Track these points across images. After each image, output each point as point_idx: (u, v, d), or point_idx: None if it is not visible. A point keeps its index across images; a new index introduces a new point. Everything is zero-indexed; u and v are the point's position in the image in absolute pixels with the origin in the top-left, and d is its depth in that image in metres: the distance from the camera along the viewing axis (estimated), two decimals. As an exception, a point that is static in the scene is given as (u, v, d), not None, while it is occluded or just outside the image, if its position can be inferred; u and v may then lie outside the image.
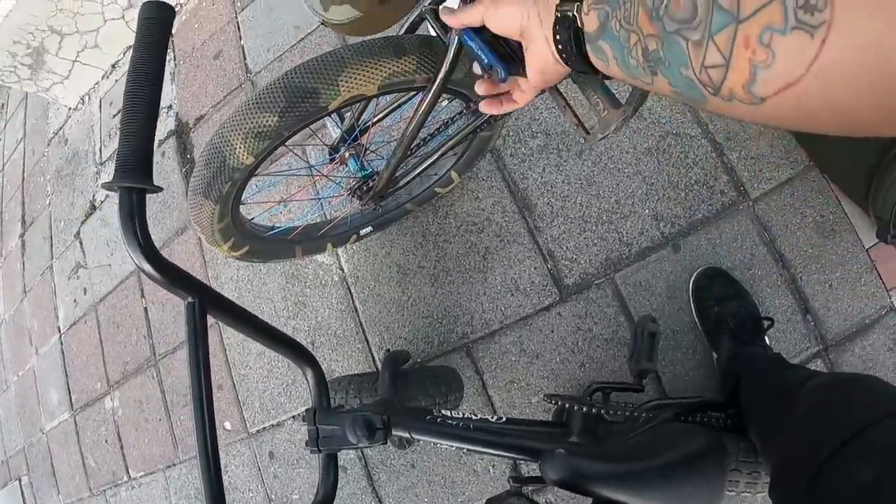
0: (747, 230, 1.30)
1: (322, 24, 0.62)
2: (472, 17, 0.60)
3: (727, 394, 1.10)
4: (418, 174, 1.22)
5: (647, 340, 1.11)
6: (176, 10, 2.21)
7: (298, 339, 1.53)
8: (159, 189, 0.65)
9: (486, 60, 0.61)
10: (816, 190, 1.27)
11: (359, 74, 0.82)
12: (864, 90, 0.23)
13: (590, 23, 0.44)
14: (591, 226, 1.37)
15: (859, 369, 1.20)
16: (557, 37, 0.48)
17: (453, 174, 1.36)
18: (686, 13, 0.31)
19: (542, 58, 0.53)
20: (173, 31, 2.20)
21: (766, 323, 1.20)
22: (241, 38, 1.92)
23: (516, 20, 0.53)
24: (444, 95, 0.96)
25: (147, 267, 0.64)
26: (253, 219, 1.21)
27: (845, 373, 1.10)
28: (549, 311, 1.37)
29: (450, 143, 1.14)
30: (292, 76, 0.81)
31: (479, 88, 0.67)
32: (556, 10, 0.47)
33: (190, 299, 0.71)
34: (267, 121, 0.81)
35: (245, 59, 1.89)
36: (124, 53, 2.34)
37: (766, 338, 1.22)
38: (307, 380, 0.91)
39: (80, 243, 2.27)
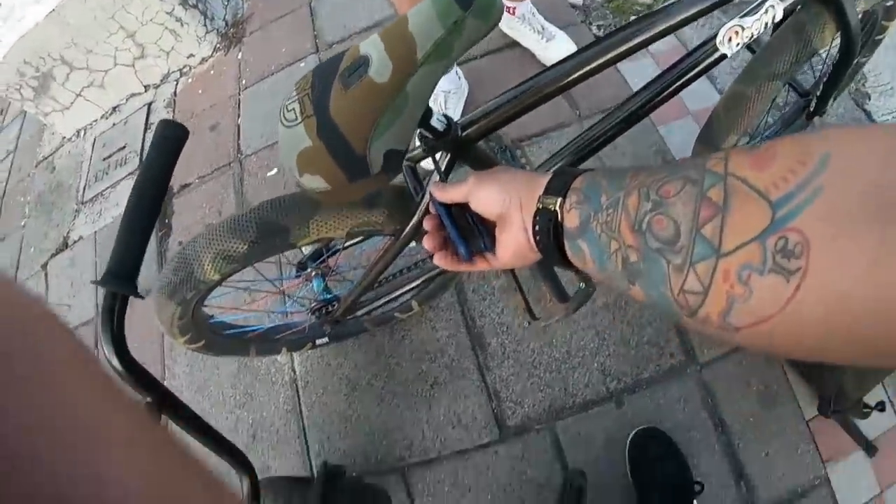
0: (692, 394, 1.35)
1: (296, 185, 0.67)
2: (457, 195, 0.61)
3: None
4: (378, 307, 1.26)
5: (574, 494, 1.14)
6: (185, 71, 2.28)
7: (241, 430, 1.57)
8: (141, 297, 0.71)
9: (452, 236, 0.63)
10: (764, 360, 1.32)
11: (330, 220, 0.86)
12: (833, 333, 0.25)
13: (571, 220, 0.45)
14: (539, 372, 1.42)
15: None
16: (536, 227, 0.49)
17: (414, 302, 1.40)
18: (668, 234, 0.32)
19: (517, 242, 0.53)
20: (177, 90, 2.26)
21: (696, 487, 1.24)
22: (239, 116, 1.97)
23: (498, 203, 0.55)
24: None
25: (116, 363, 0.73)
26: (212, 318, 1.23)
27: None
28: (488, 448, 1.39)
29: (413, 283, 1.18)
30: (267, 211, 0.86)
31: (438, 259, 0.65)
32: (539, 202, 0.49)
33: (148, 399, 0.76)
34: (237, 247, 0.86)
35: (239, 138, 1.94)
36: (127, 99, 2.39)
37: (695, 502, 1.24)
38: (242, 487, 0.95)
39: (46, 276, 2.25)
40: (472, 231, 0.61)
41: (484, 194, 0.56)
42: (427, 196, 0.83)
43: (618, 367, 1.39)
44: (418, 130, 0.72)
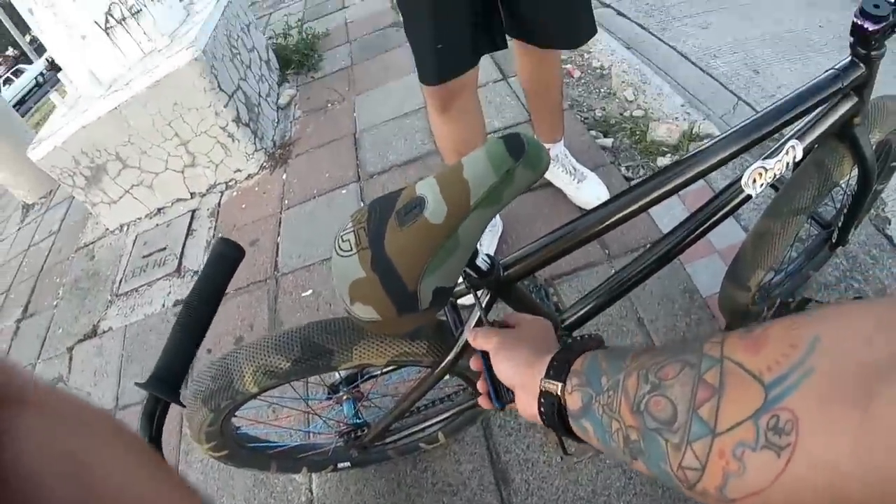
0: None
1: (346, 311, 0.69)
2: (484, 346, 0.65)
3: None
4: (407, 436, 1.25)
5: None
6: (231, 184, 2.40)
7: (248, 550, 1.50)
8: (183, 405, 0.72)
9: (489, 387, 0.67)
10: None
11: (374, 348, 0.89)
12: (823, 501, 0.26)
13: (573, 402, 0.47)
14: (563, 513, 1.38)
15: None
16: (542, 409, 0.52)
17: (440, 434, 1.40)
18: (666, 415, 0.34)
19: (530, 411, 0.55)
20: (221, 202, 2.38)
21: None
22: (279, 234, 2.05)
23: (508, 379, 0.59)
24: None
25: None
26: (239, 429, 1.23)
27: None
28: None
29: (443, 415, 1.19)
30: (313, 332, 0.88)
31: (482, 400, 0.71)
32: (541, 385, 0.51)
33: None
34: (279, 364, 0.87)
35: (277, 256, 2.01)
36: (172, 203, 2.51)
37: None
38: None
39: (70, 359, 2.28)
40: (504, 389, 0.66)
41: (500, 367, 0.61)
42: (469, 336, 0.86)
43: (643, 509, 1.35)
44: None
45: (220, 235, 0.72)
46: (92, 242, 2.66)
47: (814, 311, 0.30)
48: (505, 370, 0.60)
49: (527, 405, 0.56)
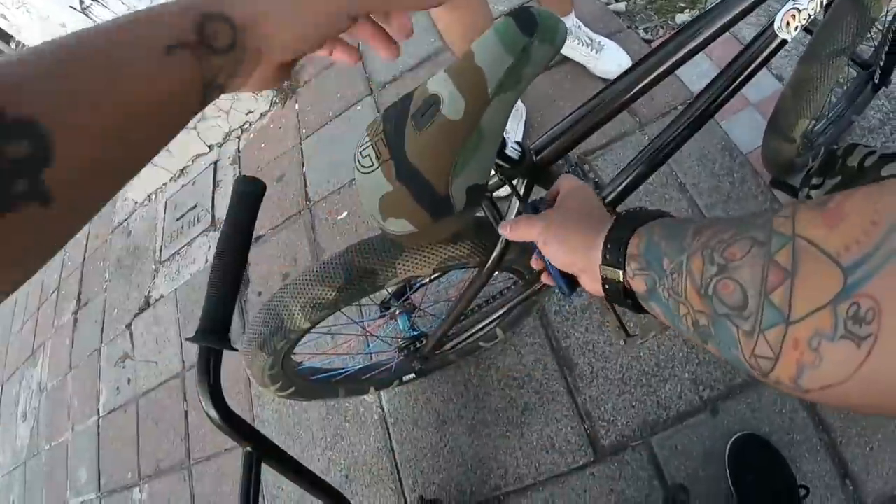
0: (787, 396, 1.30)
1: (380, 228, 0.68)
2: (526, 238, 0.62)
3: None
4: (466, 339, 1.27)
5: None
6: (246, 127, 2.39)
7: (333, 471, 1.59)
8: (235, 349, 0.74)
9: (554, 277, 0.64)
10: None
11: (417, 259, 0.87)
12: None
13: (637, 286, 0.45)
14: (629, 388, 1.39)
15: None
16: (607, 294, 0.50)
17: (498, 330, 1.41)
18: (736, 300, 0.32)
19: (595, 291, 0.54)
20: (240, 147, 2.37)
21: (801, 491, 1.18)
22: (303, 164, 2.05)
23: (567, 264, 0.56)
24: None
25: (215, 415, 0.74)
26: (301, 364, 1.26)
27: None
28: (584, 470, 1.37)
29: (498, 311, 1.19)
30: (353, 255, 0.87)
31: (544, 277, 0.68)
32: (601, 272, 0.49)
33: (248, 448, 0.78)
34: (326, 294, 0.87)
35: (306, 186, 2.01)
36: (193, 160, 2.51)
37: None
38: None
39: (131, 335, 2.37)
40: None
41: (554, 257, 0.57)
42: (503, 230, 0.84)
43: (709, 375, 1.36)
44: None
45: (239, 175, 0.71)
46: (125, 220, 2.71)
47: (894, 185, 0.27)
48: (560, 259, 0.57)
49: (593, 288, 0.54)
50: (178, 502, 2.00)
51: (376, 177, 0.61)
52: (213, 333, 0.71)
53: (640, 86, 0.74)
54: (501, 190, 0.94)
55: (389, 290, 1.26)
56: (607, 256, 0.48)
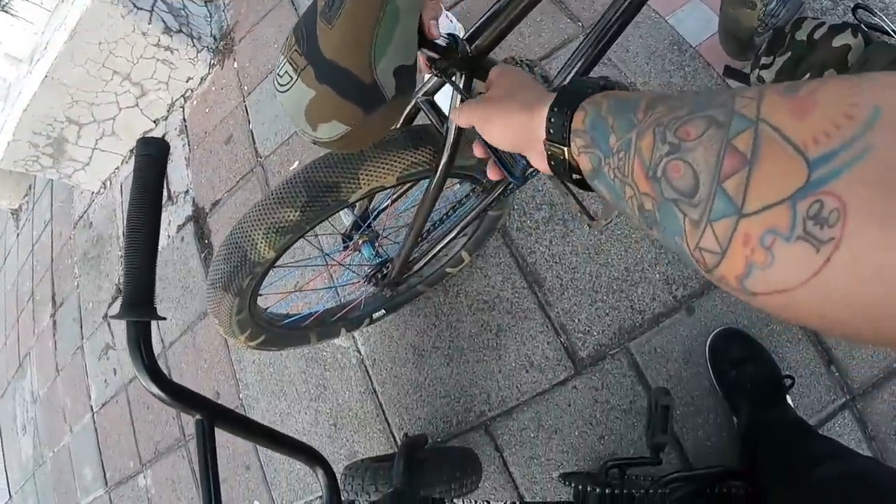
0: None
1: (314, 143, 0.64)
2: (471, 123, 0.58)
3: (748, 462, 1.08)
4: (432, 257, 1.24)
5: (661, 413, 1.10)
6: (188, 95, 2.31)
7: (321, 421, 1.59)
8: (162, 318, 0.70)
9: (498, 164, 0.62)
10: None
11: (378, 167, 0.83)
12: (859, 312, 0.23)
13: (583, 164, 0.42)
14: (601, 296, 1.38)
15: (889, 417, 1.17)
16: (553, 168, 0.47)
17: (463, 254, 1.38)
18: (686, 185, 0.29)
19: (543, 168, 0.51)
20: (186, 116, 2.30)
21: (787, 381, 1.18)
22: (249, 122, 1.99)
23: (512, 144, 0.53)
24: (452, 179, 0.97)
25: (155, 390, 0.70)
26: (268, 308, 1.23)
27: (855, 468, 1.06)
28: (565, 384, 1.37)
29: (460, 224, 1.16)
30: (313, 171, 0.82)
31: (491, 173, 0.67)
32: (546, 149, 0.46)
33: (198, 417, 0.76)
34: (288, 216, 0.83)
35: (255, 143, 1.96)
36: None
37: (788, 396, 1.19)
38: (318, 479, 0.94)
39: (109, 325, 2.34)
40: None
41: (495, 138, 0.54)
42: (452, 124, 0.80)
43: (681, 274, 1.34)
44: (421, 52, 0.68)
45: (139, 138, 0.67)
46: (84, 212, 2.65)
47: (875, 76, 0.23)
48: (502, 139, 0.53)
49: (542, 166, 0.51)
50: (181, 480, 2.01)
51: (297, 88, 0.58)
52: (138, 306, 0.67)
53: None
54: (444, 91, 0.90)
55: (354, 214, 1.23)
56: (551, 131, 0.44)
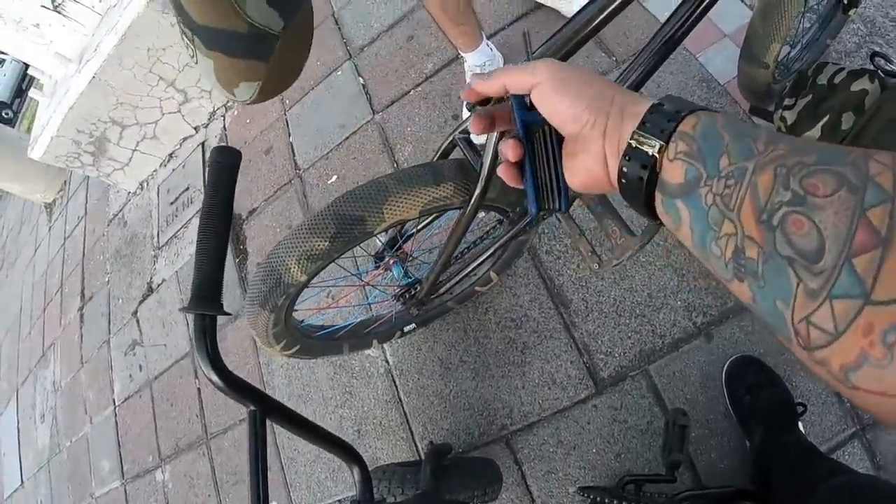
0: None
1: (245, 104, 0.65)
2: (522, 82, 0.44)
3: (759, 483, 1.11)
4: (459, 281, 1.30)
5: (678, 433, 1.14)
6: (229, 105, 2.40)
7: (345, 427, 1.64)
8: (228, 314, 0.77)
9: (526, 187, 0.48)
10: None
11: (401, 202, 0.89)
12: None
13: (673, 173, 0.35)
14: (624, 319, 1.43)
15: None
16: (624, 169, 0.38)
17: (492, 274, 1.44)
18: (808, 245, 0.25)
19: (590, 174, 0.42)
20: (226, 125, 2.38)
21: (799, 409, 1.22)
22: (289, 134, 2.07)
23: (572, 120, 0.41)
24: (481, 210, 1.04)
25: (216, 379, 0.76)
26: (303, 321, 1.30)
27: (862, 479, 1.09)
28: (586, 403, 1.41)
29: (487, 251, 1.22)
30: (341, 205, 0.89)
31: (502, 171, 0.49)
32: (632, 138, 0.37)
33: (252, 408, 0.81)
34: (319, 245, 0.90)
35: (294, 155, 2.04)
36: (181, 144, 2.53)
37: (801, 423, 1.23)
38: (353, 475, 0.99)
39: (137, 322, 2.41)
40: (549, 183, 0.47)
41: (557, 102, 0.41)
42: (487, 160, 0.84)
43: (701, 301, 1.39)
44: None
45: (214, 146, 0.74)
46: (119, 210, 2.73)
47: None
48: (564, 107, 0.41)
49: (581, 168, 0.42)
50: (200, 477, 2.06)
51: (200, 60, 0.55)
52: (206, 301, 0.73)
53: (603, 16, 0.74)
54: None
55: (380, 238, 1.29)
56: (647, 124, 0.36)
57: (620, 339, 1.42)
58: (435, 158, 1.00)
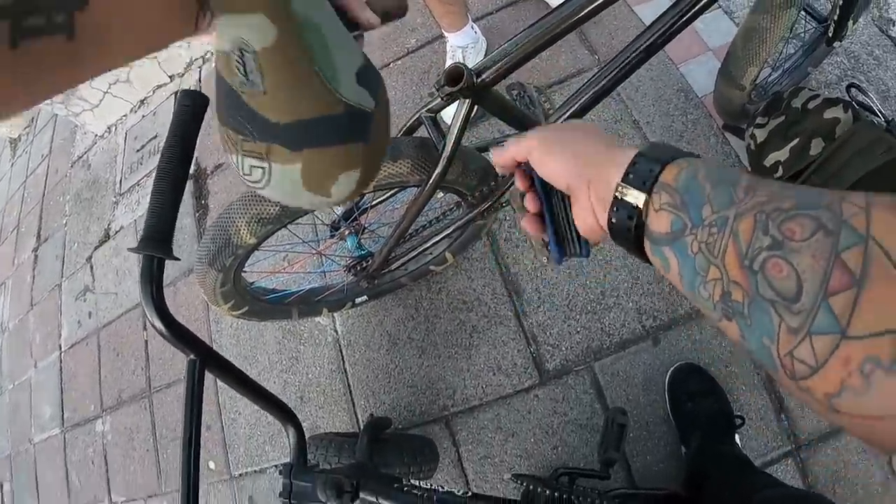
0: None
1: (339, 205, 0.59)
2: (519, 152, 0.51)
3: (692, 489, 1.13)
4: (412, 259, 1.29)
5: (616, 431, 1.16)
6: (207, 57, 2.34)
7: (289, 393, 1.62)
8: (177, 259, 0.75)
9: (548, 234, 0.53)
10: None
11: None
12: None
13: (658, 223, 0.37)
14: (575, 314, 1.44)
15: (831, 470, 1.24)
16: (613, 220, 0.40)
17: (448, 254, 1.44)
18: (788, 288, 0.28)
19: (587, 224, 0.45)
20: (202, 77, 2.32)
21: (737, 421, 1.25)
22: (264, 95, 2.02)
23: (563, 177, 0.46)
24: (439, 190, 1.02)
25: (159, 324, 0.75)
26: (253, 283, 1.28)
27: (795, 490, 1.13)
28: (528, 392, 1.43)
29: (443, 232, 1.21)
30: None
31: (525, 223, 0.55)
32: (617, 190, 0.39)
33: (192, 356, 0.81)
34: (269, 210, 0.89)
35: (267, 116, 1.99)
36: (153, 91, 2.46)
37: (737, 435, 1.26)
38: (289, 438, 0.99)
39: (91, 268, 2.35)
40: (567, 232, 0.52)
41: (548, 162, 0.47)
42: (450, 144, 0.85)
43: (653, 306, 1.41)
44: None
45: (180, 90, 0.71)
46: (85, 153, 2.65)
47: None
48: (557, 166, 0.46)
49: (580, 217, 0.45)
50: (140, 431, 2.03)
51: (278, 174, 0.46)
52: (157, 243, 0.72)
53: (586, 10, 0.75)
54: (446, 111, 0.95)
55: (339, 210, 1.28)
56: (630, 175, 0.39)
57: (569, 333, 1.43)
58: (399, 134, 0.99)
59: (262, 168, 0.46)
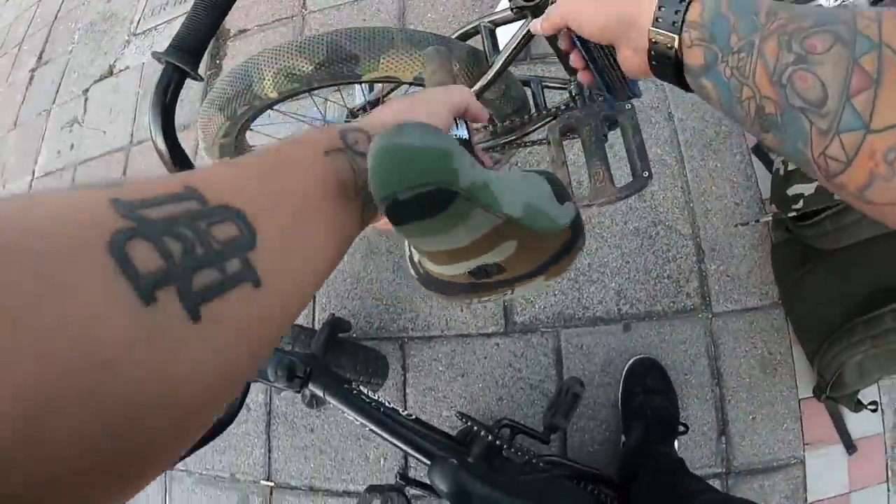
0: (697, 338, 1.34)
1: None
2: (554, 22, 0.53)
3: (623, 479, 1.14)
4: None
5: (569, 400, 1.15)
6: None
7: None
8: (201, 79, 0.69)
9: (598, 83, 0.60)
10: (774, 327, 1.33)
11: (401, 59, 0.83)
12: None
13: (693, 57, 0.41)
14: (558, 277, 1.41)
15: None
16: (653, 62, 0.44)
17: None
18: (814, 95, 0.31)
19: (634, 65, 0.48)
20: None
21: (681, 428, 1.25)
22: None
23: (599, 30, 0.48)
24: None
25: (160, 142, 0.69)
26: (254, 147, 1.22)
27: (738, 498, 1.13)
28: (490, 339, 1.41)
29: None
30: (340, 36, 0.82)
31: (582, 76, 0.60)
32: (650, 35, 0.43)
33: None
34: (302, 66, 0.83)
35: (306, -6, 1.90)
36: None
37: (676, 441, 1.26)
38: None
39: (86, 101, 2.25)
40: (617, 78, 0.58)
41: (585, 24, 0.49)
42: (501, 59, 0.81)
43: (633, 293, 1.39)
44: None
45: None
46: (108, -17, 2.52)
47: None
48: (595, 22, 0.48)
49: (633, 60, 0.48)
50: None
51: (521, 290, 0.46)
52: (185, 53, 0.65)
53: None
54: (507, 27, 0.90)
55: (366, 93, 1.21)
56: (659, 19, 0.41)
57: (546, 294, 1.41)
58: (454, 37, 0.93)
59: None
